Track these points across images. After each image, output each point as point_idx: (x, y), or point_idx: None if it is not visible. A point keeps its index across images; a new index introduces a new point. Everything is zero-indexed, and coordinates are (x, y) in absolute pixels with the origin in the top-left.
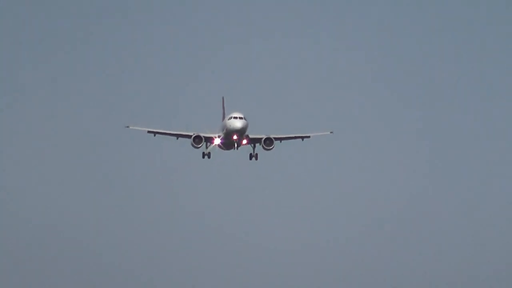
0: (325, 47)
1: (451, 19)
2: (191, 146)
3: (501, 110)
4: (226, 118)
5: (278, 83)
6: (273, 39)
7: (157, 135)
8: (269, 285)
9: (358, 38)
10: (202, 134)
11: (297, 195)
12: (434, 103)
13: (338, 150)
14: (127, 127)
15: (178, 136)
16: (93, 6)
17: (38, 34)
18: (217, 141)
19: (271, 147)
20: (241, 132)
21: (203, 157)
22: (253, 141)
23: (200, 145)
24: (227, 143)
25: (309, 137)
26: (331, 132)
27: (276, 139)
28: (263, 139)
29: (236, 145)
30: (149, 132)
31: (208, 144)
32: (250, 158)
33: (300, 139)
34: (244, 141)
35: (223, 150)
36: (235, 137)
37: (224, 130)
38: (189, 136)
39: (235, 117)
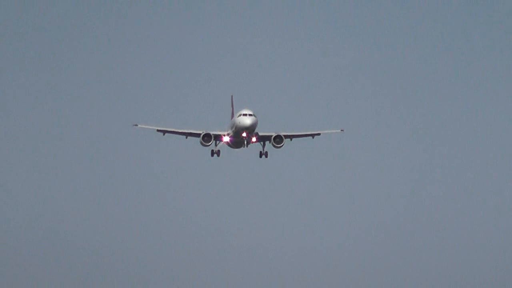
0: (338, 45)
1: (461, 18)
2: (200, 145)
3: None
4: (236, 115)
5: (288, 80)
6: (283, 36)
7: (166, 133)
8: (281, 283)
9: (371, 36)
10: (211, 132)
11: (307, 193)
12: (447, 103)
13: (349, 148)
14: (136, 125)
15: (187, 134)
16: (104, 3)
17: (48, 32)
18: (226, 139)
19: (281, 145)
20: (251, 129)
21: (212, 155)
22: (262, 139)
23: (209, 143)
24: (237, 141)
25: (319, 134)
26: (341, 130)
27: (286, 136)
28: (273, 137)
29: (246, 143)
30: (158, 130)
31: (217, 142)
32: (260, 156)
33: (311, 137)
34: (254, 139)
35: (232, 149)
36: (244, 134)
37: (234, 128)
38: (198, 135)
39: (245, 114)
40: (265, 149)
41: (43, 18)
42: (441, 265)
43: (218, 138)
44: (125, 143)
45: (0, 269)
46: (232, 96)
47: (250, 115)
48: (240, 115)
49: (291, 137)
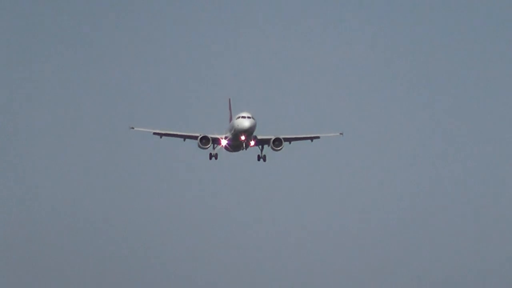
0: (337, 47)
1: (461, 21)
2: (197, 148)
3: None
4: (234, 118)
5: (287, 83)
6: (282, 39)
7: (163, 136)
8: (278, 285)
9: (371, 39)
10: (209, 135)
11: (306, 197)
12: (447, 105)
13: (348, 151)
14: (132, 128)
15: (184, 137)
16: (101, 6)
17: (43, 35)
18: (224, 142)
19: (280, 148)
20: (250, 132)
21: (210, 158)
22: (261, 142)
23: (207, 146)
24: (235, 144)
25: (318, 137)
26: (341, 134)
27: (285, 139)
28: (271, 140)
29: (244, 146)
30: (154, 133)
31: (215, 145)
32: (258, 160)
33: (310, 140)
34: (252, 142)
35: (230, 152)
36: (243, 137)
37: (232, 131)
38: (195, 137)
39: (243, 117)
40: (264, 153)
41: (38, 19)
42: (438, 270)
43: (216, 141)
44: (121, 147)
45: None
46: (230, 99)
47: (248, 117)
48: (239, 117)
49: (290, 140)
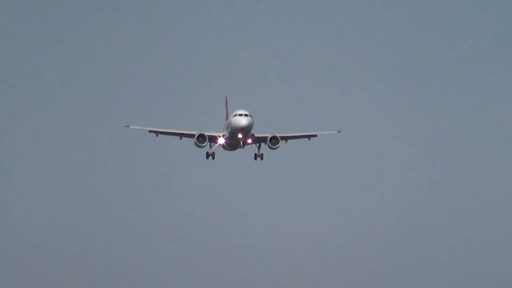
0: (334, 45)
1: (460, 18)
2: (194, 146)
3: None
4: (231, 116)
5: (284, 81)
6: (278, 37)
7: (159, 134)
8: (274, 285)
9: (367, 36)
10: (206, 133)
11: (304, 196)
12: (444, 103)
13: (346, 149)
14: (127, 126)
15: (181, 135)
16: (95, 5)
17: (38, 34)
18: (221, 140)
19: (277, 146)
20: (247, 130)
21: (207, 157)
22: (258, 140)
23: (204, 144)
24: (232, 143)
25: (316, 136)
26: (338, 131)
27: (282, 138)
28: (268, 138)
29: (241, 144)
30: (150, 131)
31: (212, 143)
32: (255, 158)
33: (307, 138)
34: (249, 141)
35: (227, 151)
36: (240, 135)
37: (229, 129)
38: (192, 136)
39: (240, 114)
40: (261, 151)
41: (32, 18)
42: (436, 267)
43: (213, 139)
44: (117, 145)
45: None
46: (226, 98)
47: (246, 115)
48: (236, 115)
49: (287, 138)
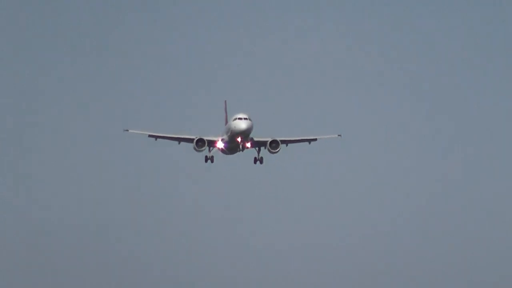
0: (334, 49)
1: (463, 21)
2: (193, 151)
3: None
4: (230, 119)
5: (284, 85)
6: (278, 40)
7: (158, 139)
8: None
9: (368, 40)
10: (205, 137)
11: (304, 200)
12: (444, 107)
13: (346, 153)
14: (127, 130)
15: (180, 140)
16: (95, 8)
17: (39, 36)
18: (220, 144)
19: (277, 150)
20: (246, 134)
21: (206, 161)
22: (258, 144)
23: (203, 148)
24: (231, 147)
25: (316, 140)
26: (339, 135)
27: (282, 142)
28: (268, 142)
29: (241, 148)
30: (149, 136)
31: (211, 148)
32: (255, 162)
33: (307, 142)
34: (249, 144)
35: (226, 155)
36: (239, 139)
37: (229, 133)
38: (191, 140)
39: (240, 118)
40: (260, 155)
41: (31, 19)
42: (435, 270)
43: (212, 143)
44: (116, 149)
45: None
46: (225, 101)
47: (245, 119)
48: (235, 119)
49: (287, 142)
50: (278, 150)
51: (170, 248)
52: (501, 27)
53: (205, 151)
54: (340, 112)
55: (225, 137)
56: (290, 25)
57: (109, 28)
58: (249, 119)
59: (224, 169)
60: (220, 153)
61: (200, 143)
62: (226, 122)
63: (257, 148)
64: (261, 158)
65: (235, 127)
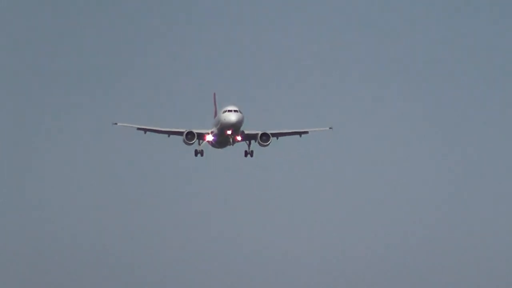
0: (325, 41)
1: (446, 14)
2: (183, 144)
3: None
4: (220, 112)
5: (275, 77)
6: (267, 31)
7: (147, 132)
8: (264, 285)
9: (358, 31)
10: (194, 131)
11: (295, 193)
12: (434, 99)
13: (338, 146)
14: (115, 124)
15: (169, 133)
16: (84, 2)
17: (25, 31)
18: (210, 137)
19: (267, 143)
20: (237, 127)
21: (196, 155)
22: (248, 138)
23: (193, 141)
24: (221, 140)
25: (307, 133)
26: (330, 128)
27: (273, 135)
28: (259, 135)
29: (231, 141)
30: (138, 129)
31: (201, 141)
32: (245, 155)
33: (298, 135)
34: (239, 138)
35: (217, 149)
36: (229, 132)
37: (218, 125)
38: (180, 133)
39: (230, 110)
40: (251, 148)
41: (19, 15)
42: (435, 265)
43: (201, 136)
44: (104, 143)
45: None
46: (214, 94)
47: (235, 111)
48: (225, 111)
49: (278, 135)
50: (269, 143)
51: (158, 242)
52: (496, 27)
53: (195, 144)
54: (331, 105)
55: (215, 130)
56: (280, 18)
57: (96, 20)
58: (240, 112)
59: (214, 163)
60: (210, 146)
61: (189, 136)
62: (215, 115)
63: (247, 142)
64: (252, 151)
65: (225, 119)
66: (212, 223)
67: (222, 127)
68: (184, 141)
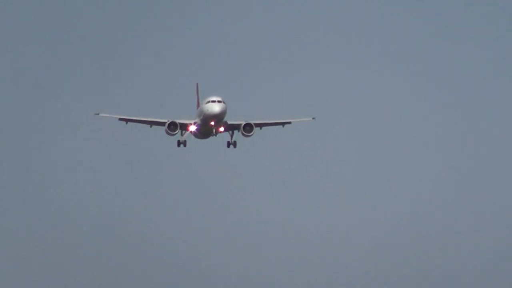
0: (307, 30)
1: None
2: (165, 134)
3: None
4: (203, 102)
5: (258, 67)
6: (250, 21)
7: (129, 122)
8: (248, 278)
9: (340, 22)
10: (177, 121)
11: (278, 184)
12: (419, 90)
13: (320, 137)
14: (97, 114)
15: (151, 123)
16: None
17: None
18: (193, 128)
19: (250, 134)
20: (220, 117)
21: (179, 145)
22: (231, 128)
23: (175, 132)
24: (204, 131)
25: (290, 123)
26: (313, 118)
27: (256, 125)
28: (242, 125)
29: (214, 132)
30: (120, 119)
31: (184, 131)
32: (228, 146)
33: (281, 126)
34: (222, 128)
35: (199, 139)
36: (212, 123)
37: (201, 116)
38: (163, 123)
39: (213, 101)
40: (234, 139)
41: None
42: (422, 261)
43: (184, 127)
44: (86, 133)
45: None
46: (197, 84)
47: (219, 101)
48: (208, 102)
49: (261, 125)
50: (252, 134)
51: (140, 234)
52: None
53: (178, 135)
54: (314, 95)
55: (198, 120)
56: (262, 8)
57: (78, 11)
58: (223, 102)
59: (196, 153)
60: (193, 137)
61: (172, 126)
62: (198, 105)
63: (230, 132)
64: (235, 142)
65: (208, 110)
66: (194, 215)
67: (205, 118)
68: (166, 131)
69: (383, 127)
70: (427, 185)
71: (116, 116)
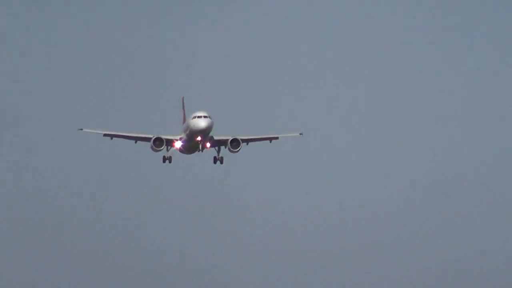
0: (295, 46)
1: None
2: (150, 150)
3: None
4: (189, 117)
5: (244, 82)
6: (237, 35)
7: (113, 138)
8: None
9: (329, 36)
10: (162, 136)
11: (265, 200)
12: (404, 103)
13: (308, 152)
14: (81, 129)
15: (136, 139)
16: (52, 6)
17: None
18: (179, 143)
19: (237, 149)
20: (206, 133)
21: (164, 161)
22: (218, 143)
23: (161, 148)
24: (190, 146)
25: (277, 138)
26: (300, 134)
27: (243, 140)
28: (229, 141)
29: (200, 147)
30: (105, 135)
31: (169, 147)
32: (215, 162)
33: (268, 141)
34: (208, 144)
35: (185, 155)
36: (199, 138)
37: (187, 131)
38: (148, 139)
39: (199, 116)
40: (220, 154)
41: None
42: (414, 264)
43: (170, 142)
44: (70, 149)
45: None
46: (183, 98)
47: (205, 117)
48: (195, 117)
49: (248, 141)
50: (239, 149)
51: (128, 248)
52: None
53: (163, 150)
54: (301, 110)
55: (184, 136)
56: (250, 22)
57: (63, 24)
58: (209, 117)
59: (182, 170)
60: (179, 152)
61: (157, 142)
62: (184, 120)
63: (217, 148)
64: (221, 157)
65: (194, 125)
66: (180, 230)
67: (192, 133)
68: (152, 147)
69: (371, 142)
70: (417, 200)
71: (100, 132)
